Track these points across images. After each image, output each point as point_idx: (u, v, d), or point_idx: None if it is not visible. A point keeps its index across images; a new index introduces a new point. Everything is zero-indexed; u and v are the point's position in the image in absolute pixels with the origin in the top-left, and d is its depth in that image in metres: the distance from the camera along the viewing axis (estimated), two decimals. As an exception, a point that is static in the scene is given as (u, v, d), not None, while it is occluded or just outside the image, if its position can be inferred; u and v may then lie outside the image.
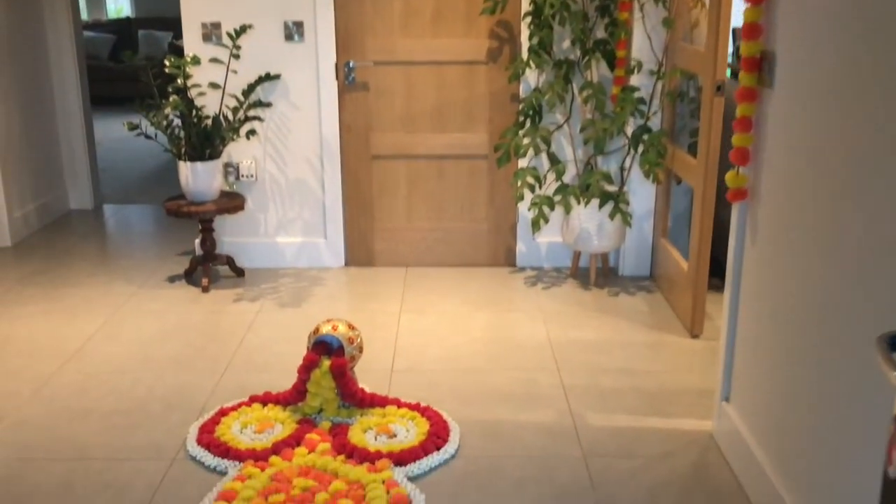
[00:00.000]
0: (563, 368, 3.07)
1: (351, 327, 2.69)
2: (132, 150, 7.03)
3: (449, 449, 2.49)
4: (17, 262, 4.29)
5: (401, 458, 2.41)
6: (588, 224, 3.78)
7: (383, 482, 2.31)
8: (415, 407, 2.71)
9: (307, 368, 2.62)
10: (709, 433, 2.63)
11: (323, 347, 2.66)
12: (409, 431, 2.58)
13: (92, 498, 2.29)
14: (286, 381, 2.87)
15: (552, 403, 2.81)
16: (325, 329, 2.65)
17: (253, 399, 2.76)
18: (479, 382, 2.96)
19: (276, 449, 2.46)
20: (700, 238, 3.23)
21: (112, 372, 3.05)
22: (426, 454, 2.45)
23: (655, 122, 3.81)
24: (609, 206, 3.71)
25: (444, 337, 3.37)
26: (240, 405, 2.74)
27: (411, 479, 2.36)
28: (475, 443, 2.56)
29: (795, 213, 2.07)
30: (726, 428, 2.50)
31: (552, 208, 3.77)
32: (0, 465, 2.45)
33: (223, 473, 2.39)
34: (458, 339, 3.34)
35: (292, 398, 2.68)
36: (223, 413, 2.69)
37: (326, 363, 2.61)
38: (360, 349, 2.69)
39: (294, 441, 2.50)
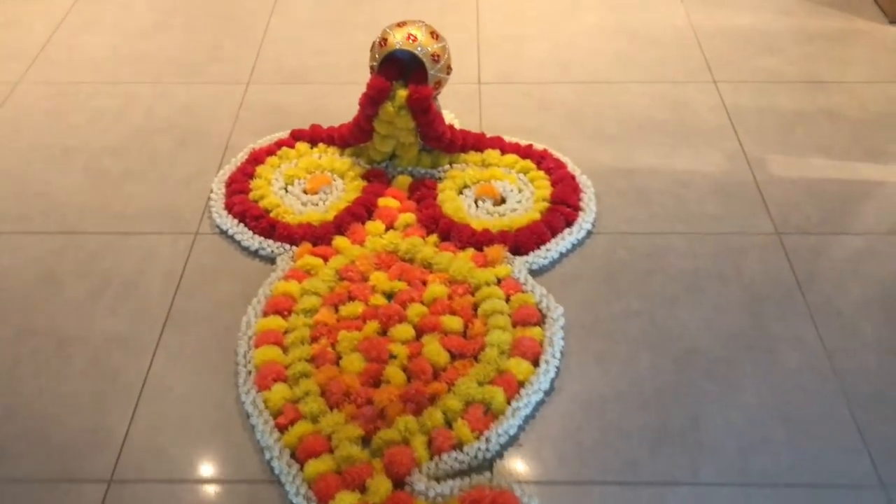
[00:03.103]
0: (719, 77, 2.19)
1: (434, 36, 1.77)
2: None
3: (584, 224, 1.74)
4: None
5: (518, 242, 1.67)
6: None
7: (499, 282, 1.60)
8: (526, 151, 1.90)
9: (374, 101, 1.77)
10: (944, 189, 1.85)
11: (395, 68, 1.78)
12: (523, 192, 1.81)
13: (80, 303, 1.61)
14: (338, 98, 2.06)
15: (716, 139, 1.99)
16: (397, 38, 1.74)
17: (296, 135, 1.96)
18: (605, 102, 2.11)
19: (341, 223, 1.72)
20: None
21: (95, 82, 2.21)
22: (554, 233, 1.71)
23: None
24: None
25: (545, 25, 2.43)
26: (279, 144, 1.94)
27: (533, 273, 1.65)
28: (618, 209, 1.79)
29: None
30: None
31: None
32: (-44, 241, 1.76)
33: (269, 260, 1.69)
34: (565, 29, 2.40)
35: (352, 138, 1.88)
36: (257, 159, 1.90)
37: (402, 93, 1.75)
38: (449, 69, 1.81)
39: (363, 209, 1.75)
